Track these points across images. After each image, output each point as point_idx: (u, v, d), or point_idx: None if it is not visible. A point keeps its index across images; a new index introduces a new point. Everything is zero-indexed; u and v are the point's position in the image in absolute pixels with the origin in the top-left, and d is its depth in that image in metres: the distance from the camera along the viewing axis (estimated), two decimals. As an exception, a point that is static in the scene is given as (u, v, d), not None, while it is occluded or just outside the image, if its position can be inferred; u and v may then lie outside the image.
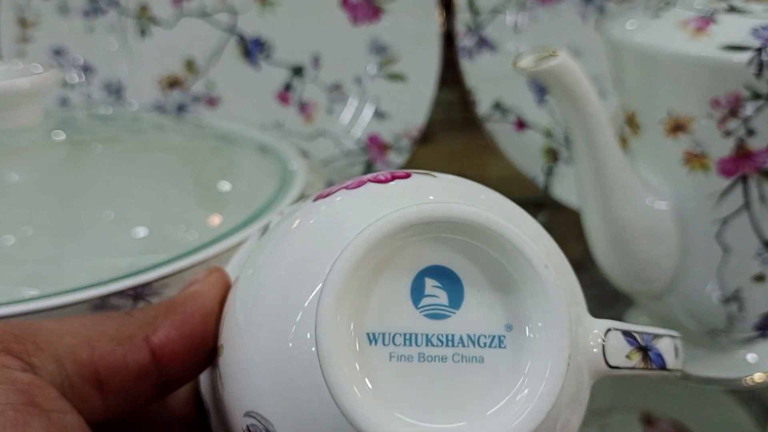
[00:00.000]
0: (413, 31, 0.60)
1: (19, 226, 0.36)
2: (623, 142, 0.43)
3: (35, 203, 0.38)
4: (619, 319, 0.23)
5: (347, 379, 0.18)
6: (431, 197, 0.21)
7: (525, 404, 0.18)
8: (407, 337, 0.19)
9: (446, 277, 0.19)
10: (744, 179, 0.39)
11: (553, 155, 0.61)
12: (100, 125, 0.46)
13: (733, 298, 0.42)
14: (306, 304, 0.19)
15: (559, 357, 0.19)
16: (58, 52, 0.58)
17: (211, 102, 0.60)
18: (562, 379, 0.18)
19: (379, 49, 0.61)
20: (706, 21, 0.38)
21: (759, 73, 0.36)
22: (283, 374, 0.19)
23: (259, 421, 0.20)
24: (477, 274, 0.20)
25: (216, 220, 0.38)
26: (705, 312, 0.42)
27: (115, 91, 0.59)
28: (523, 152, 0.61)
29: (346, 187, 0.22)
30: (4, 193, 0.38)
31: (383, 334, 0.19)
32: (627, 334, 0.22)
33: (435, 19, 0.59)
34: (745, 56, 0.36)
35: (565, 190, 0.60)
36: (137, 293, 0.31)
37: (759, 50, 0.36)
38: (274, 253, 0.21)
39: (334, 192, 0.22)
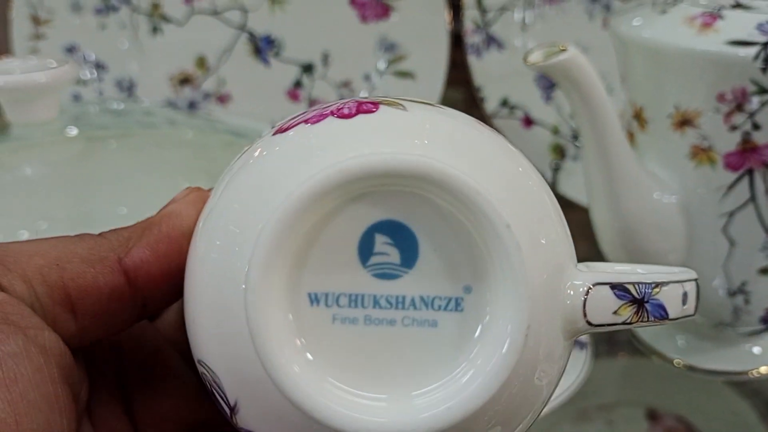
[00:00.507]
0: (422, 28, 0.60)
1: (33, 220, 0.36)
2: (631, 136, 0.43)
3: (49, 198, 0.38)
4: None
5: (278, 348, 0.17)
6: (394, 138, 0.18)
7: (472, 379, 0.17)
8: (352, 298, 0.18)
9: (399, 234, 0.18)
10: (750, 173, 0.39)
11: (560, 152, 0.61)
12: (113, 120, 0.46)
13: (739, 291, 0.42)
14: (247, 267, 0.17)
15: (516, 331, 0.17)
16: (70, 50, 0.59)
17: (222, 99, 0.61)
18: (517, 355, 0.17)
19: (387, 46, 0.61)
20: (712, 17, 0.38)
21: (765, 68, 0.36)
22: (223, 332, 0.18)
23: (208, 372, 0.19)
24: (434, 230, 0.18)
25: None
26: (711, 305, 0.43)
27: (127, 88, 0.60)
28: (531, 149, 0.61)
29: (306, 121, 0.19)
30: (18, 187, 0.38)
31: (326, 295, 0.18)
32: (617, 287, 0.19)
33: (444, 16, 0.60)
34: (751, 51, 0.36)
35: (573, 187, 0.60)
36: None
37: (765, 45, 0.36)
38: (223, 195, 0.19)
39: (293, 126, 0.19)
